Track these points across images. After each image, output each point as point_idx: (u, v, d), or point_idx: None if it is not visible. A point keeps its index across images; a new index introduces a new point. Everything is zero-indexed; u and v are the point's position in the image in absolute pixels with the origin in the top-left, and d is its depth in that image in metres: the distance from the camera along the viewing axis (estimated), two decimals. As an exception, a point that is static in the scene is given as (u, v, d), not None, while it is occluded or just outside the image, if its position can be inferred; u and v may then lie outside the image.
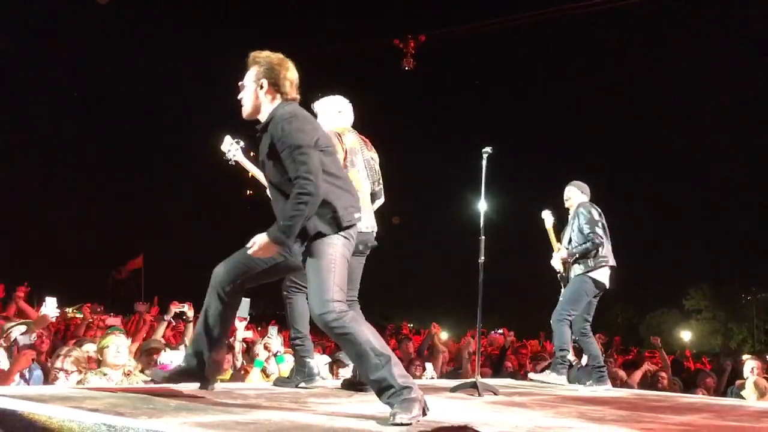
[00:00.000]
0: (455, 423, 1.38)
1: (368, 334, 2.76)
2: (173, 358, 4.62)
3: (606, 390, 5.31)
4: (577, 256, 5.52)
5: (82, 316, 9.45)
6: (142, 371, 4.84)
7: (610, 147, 45.10)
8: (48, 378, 4.34)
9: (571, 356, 6.81)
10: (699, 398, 5.68)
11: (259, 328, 8.90)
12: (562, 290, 5.74)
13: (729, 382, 7.13)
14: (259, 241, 2.89)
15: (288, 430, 2.42)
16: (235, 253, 3.14)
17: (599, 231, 5.48)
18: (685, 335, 43.21)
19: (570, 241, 5.61)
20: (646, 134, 46.28)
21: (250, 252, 2.92)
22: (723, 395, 6.50)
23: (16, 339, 4.18)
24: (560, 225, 5.92)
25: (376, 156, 4.30)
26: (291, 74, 3.08)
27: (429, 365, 6.65)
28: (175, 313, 5.96)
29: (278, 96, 3.04)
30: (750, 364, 6.37)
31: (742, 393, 6.07)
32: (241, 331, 5.76)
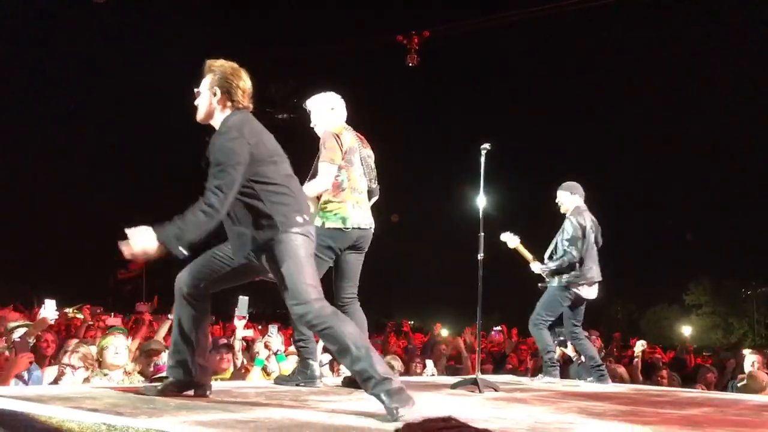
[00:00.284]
0: (438, 415, 1.39)
1: (349, 328, 2.83)
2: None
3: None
4: (553, 269, 5.57)
5: (82, 317, 9.44)
6: (141, 373, 4.84)
7: (610, 142, 45.07)
8: (56, 374, 4.32)
9: (571, 352, 6.83)
10: (699, 393, 5.69)
11: (260, 327, 8.90)
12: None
13: (730, 377, 7.14)
14: (140, 234, 2.79)
15: (288, 428, 2.42)
16: (197, 258, 3.15)
17: (574, 251, 5.47)
18: (686, 330, 43.28)
19: (555, 249, 5.64)
20: (646, 130, 46.26)
21: (127, 251, 2.82)
22: (723, 390, 6.50)
23: (14, 341, 4.17)
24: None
25: (372, 153, 4.31)
26: (244, 84, 3.15)
27: (429, 362, 6.66)
28: None
29: (230, 104, 3.12)
30: (750, 359, 6.37)
31: (738, 385, 6.09)
32: (241, 330, 5.76)
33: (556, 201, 5.83)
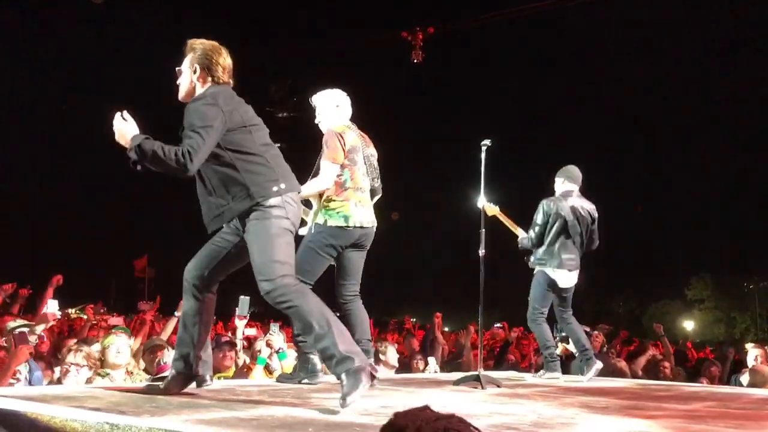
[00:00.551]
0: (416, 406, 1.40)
1: (313, 306, 2.86)
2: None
3: (597, 370, 5.33)
4: (520, 244, 5.68)
5: (86, 317, 9.46)
6: (145, 370, 4.84)
7: (612, 138, 45.07)
8: (60, 373, 4.32)
9: (573, 348, 6.82)
10: (703, 387, 5.69)
11: (262, 326, 8.90)
12: None
13: (732, 371, 7.13)
14: (127, 128, 3.00)
15: (291, 426, 2.42)
16: (201, 248, 3.20)
17: (532, 233, 5.52)
18: (688, 325, 43.28)
19: None
20: (648, 126, 46.22)
21: (119, 119, 3.02)
22: (726, 384, 6.50)
23: (12, 336, 4.17)
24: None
25: (375, 152, 4.31)
26: (224, 60, 3.19)
27: (432, 359, 6.65)
28: None
29: (210, 80, 3.16)
30: (753, 353, 6.37)
31: (741, 379, 6.09)
32: (242, 329, 5.77)
33: None
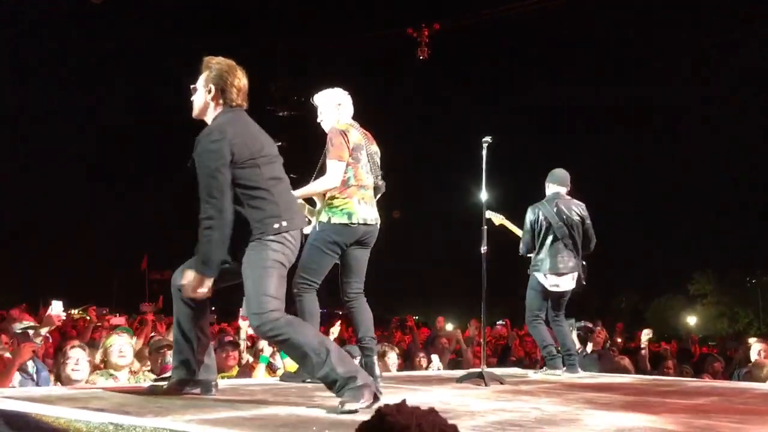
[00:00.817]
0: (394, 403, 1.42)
1: (305, 336, 2.84)
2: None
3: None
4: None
5: (88, 317, 9.47)
6: (151, 370, 4.85)
7: (613, 134, 45.02)
8: (60, 369, 4.31)
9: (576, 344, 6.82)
10: (706, 382, 5.69)
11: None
12: None
13: (736, 366, 7.13)
14: (187, 279, 2.97)
15: (295, 425, 2.42)
16: (192, 258, 3.15)
17: (521, 243, 5.59)
18: (691, 320, 43.23)
19: None
20: (649, 121, 46.16)
21: (186, 295, 3.00)
22: (729, 379, 6.50)
23: (16, 336, 4.18)
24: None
25: (378, 150, 4.32)
26: (239, 82, 3.16)
27: (435, 357, 6.66)
28: None
29: (222, 101, 3.14)
30: (756, 348, 6.36)
31: (744, 374, 6.09)
32: (245, 329, 5.77)
33: None
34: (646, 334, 7.31)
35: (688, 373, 6.81)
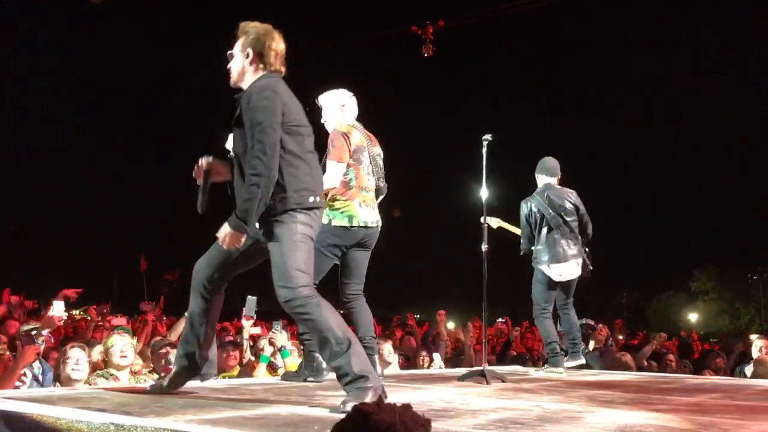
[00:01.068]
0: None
1: (331, 322, 2.79)
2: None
3: (578, 364, 5.34)
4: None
5: (89, 318, 9.46)
6: (152, 371, 4.85)
7: (614, 130, 44.97)
8: (59, 369, 4.31)
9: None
10: (707, 379, 5.68)
11: (266, 323, 8.90)
12: None
13: (738, 363, 7.12)
14: (223, 232, 2.90)
15: (296, 425, 2.42)
16: (210, 248, 3.14)
17: (522, 242, 5.59)
18: (693, 317, 43.23)
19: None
20: (650, 117, 46.14)
21: (222, 246, 2.93)
22: (731, 375, 6.50)
23: (20, 338, 4.18)
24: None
25: (381, 152, 4.32)
26: (277, 45, 3.09)
27: (437, 355, 6.66)
28: None
29: (262, 66, 3.06)
30: (758, 344, 6.35)
31: (745, 370, 6.09)
32: (248, 329, 5.77)
33: None
34: (658, 338, 7.38)
35: (687, 367, 6.81)
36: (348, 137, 4.06)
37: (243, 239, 2.90)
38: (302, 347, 4.31)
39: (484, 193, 4.82)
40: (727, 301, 43.09)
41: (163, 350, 4.94)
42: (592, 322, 7.96)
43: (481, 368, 4.40)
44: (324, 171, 4.05)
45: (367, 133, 4.26)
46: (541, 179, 5.65)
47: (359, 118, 4.31)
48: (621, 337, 10.76)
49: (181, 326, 5.94)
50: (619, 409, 3.13)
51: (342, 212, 3.99)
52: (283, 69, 3.12)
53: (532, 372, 5.55)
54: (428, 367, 6.45)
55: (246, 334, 5.81)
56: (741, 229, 41.52)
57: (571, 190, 5.64)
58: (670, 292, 44.96)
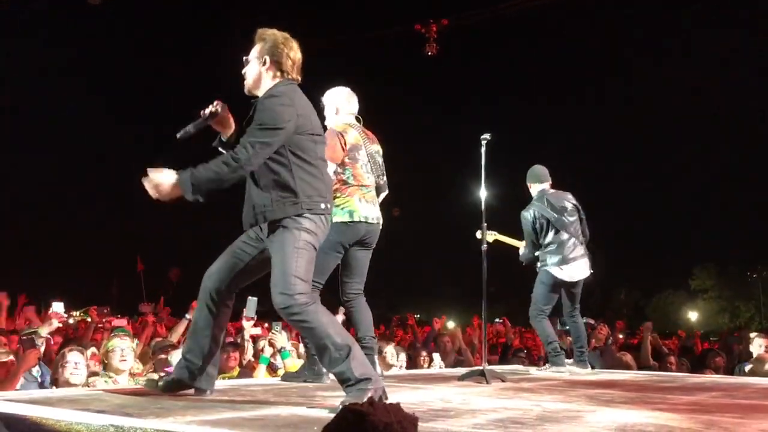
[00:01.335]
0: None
1: (329, 328, 2.79)
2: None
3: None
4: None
5: (90, 319, 9.46)
6: (154, 371, 4.84)
7: (614, 130, 44.98)
8: (58, 372, 4.30)
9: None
10: (707, 378, 5.68)
11: (266, 325, 8.90)
12: None
13: (737, 361, 7.12)
14: (164, 177, 2.84)
15: (296, 426, 2.42)
16: (223, 252, 3.12)
17: (526, 247, 5.62)
18: (692, 315, 43.25)
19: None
20: (650, 116, 46.13)
21: (147, 186, 2.86)
22: (731, 374, 6.50)
23: (21, 342, 4.18)
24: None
25: (380, 149, 4.32)
26: (294, 54, 3.09)
27: (436, 356, 6.66)
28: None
29: (279, 74, 3.07)
30: (758, 342, 6.35)
31: (745, 368, 6.09)
32: (249, 330, 5.77)
33: None
34: (647, 328, 7.35)
35: (684, 365, 6.81)
36: (342, 136, 4.06)
37: (170, 196, 2.84)
38: (305, 349, 4.30)
39: (482, 192, 4.82)
40: (726, 299, 43.11)
41: (164, 354, 4.94)
42: (592, 322, 7.97)
43: (481, 368, 4.40)
44: None
45: (365, 130, 4.26)
46: (535, 187, 5.70)
47: (362, 114, 4.32)
48: (621, 337, 10.76)
49: (181, 327, 5.94)
50: (620, 408, 3.13)
51: (342, 208, 3.99)
52: (299, 78, 3.13)
53: (534, 371, 5.55)
54: (428, 367, 6.45)
55: (246, 335, 5.81)
56: (740, 228, 41.53)
57: (567, 192, 5.67)
58: (669, 290, 44.97)
